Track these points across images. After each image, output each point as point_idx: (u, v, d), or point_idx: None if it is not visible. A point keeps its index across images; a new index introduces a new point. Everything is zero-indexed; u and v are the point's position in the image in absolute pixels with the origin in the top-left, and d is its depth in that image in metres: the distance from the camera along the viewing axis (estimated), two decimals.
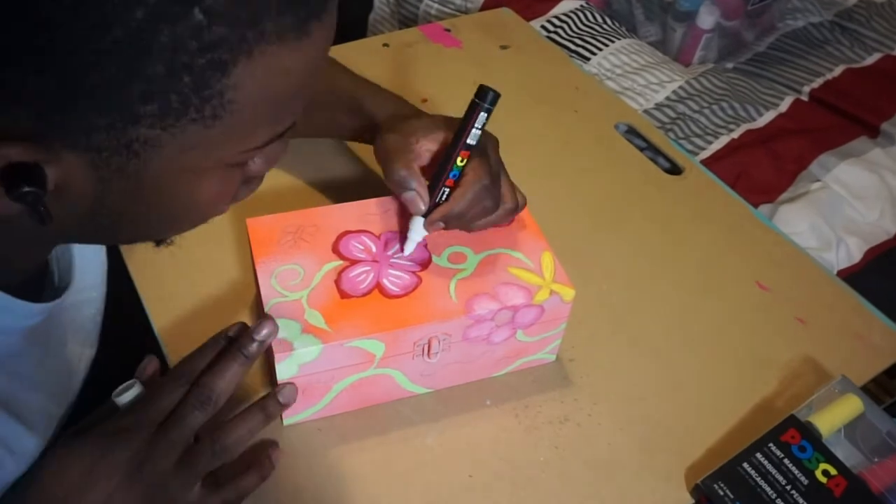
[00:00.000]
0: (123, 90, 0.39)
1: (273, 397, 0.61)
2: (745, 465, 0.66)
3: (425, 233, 0.68)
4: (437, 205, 0.67)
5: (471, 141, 0.66)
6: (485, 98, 0.65)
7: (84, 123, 0.41)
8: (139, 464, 0.54)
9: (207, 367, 0.58)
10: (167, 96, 0.40)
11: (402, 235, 0.70)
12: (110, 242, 0.69)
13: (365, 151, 0.94)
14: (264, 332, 0.59)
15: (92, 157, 0.42)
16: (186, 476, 0.55)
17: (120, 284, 0.79)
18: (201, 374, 0.57)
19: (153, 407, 0.56)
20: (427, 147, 0.69)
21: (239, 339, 0.59)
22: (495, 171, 0.68)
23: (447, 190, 0.67)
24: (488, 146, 0.69)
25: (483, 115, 0.65)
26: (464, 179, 0.67)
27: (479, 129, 0.66)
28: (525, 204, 0.72)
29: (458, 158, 0.66)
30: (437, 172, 0.67)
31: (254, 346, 0.59)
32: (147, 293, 0.78)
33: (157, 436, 0.55)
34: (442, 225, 0.68)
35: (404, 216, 0.72)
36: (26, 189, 0.41)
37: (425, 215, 0.68)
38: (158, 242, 0.58)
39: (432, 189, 0.67)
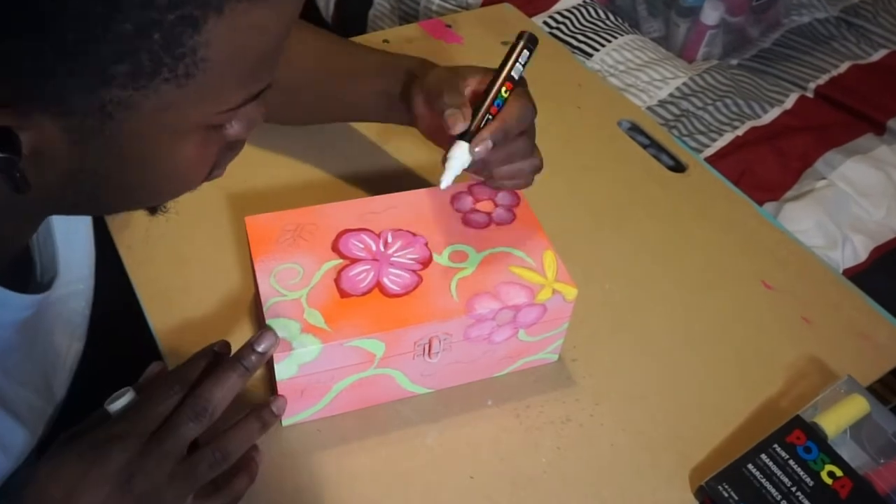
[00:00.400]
0: (93, 51, 0.39)
1: (267, 408, 0.60)
2: (750, 466, 0.66)
3: (468, 159, 0.66)
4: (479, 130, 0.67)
5: (514, 74, 0.67)
6: (526, 38, 0.68)
7: (56, 86, 0.40)
8: (130, 474, 0.53)
9: (203, 374, 0.57)
10: (138, 55, 0.40)
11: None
12: (95, 212, 0.68)
13: (365, 147, 0.95)
14: (265, 343, 0.58)
15: (67, 120, 0.42)
16: (181, 487, 0.54)
17: (116, 281, 0.79)
18: (197, 383, 0.56)
19: (146, 415, 0.55)
20: (469, 86, 0.70)
21: (239, 350, 0.58)
22: (535, 110, 0.69)
23: (490, 118, 0.67)
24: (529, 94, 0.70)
25: (525, 53, 0.67)
26: (510, 101, 0.67)
27: (523, 65, 0.67)
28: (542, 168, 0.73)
29: (503, 89, 0.67)
30: (479, 103, 0.67)
31: (253, 358, 0.58)
32: (144, 291, 0.78)
33: (149, 445, 0.54)
34: (490, 144, 0.66)
35: (407, 213, 0.72)
36: (0, 155, 0.41)
37: (469, 140, 0.66)
38: (152, 211, 0.58)
39: (474, 116, 0.67)
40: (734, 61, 1.44)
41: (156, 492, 0.53)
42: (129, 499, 0.53)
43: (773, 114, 1.29)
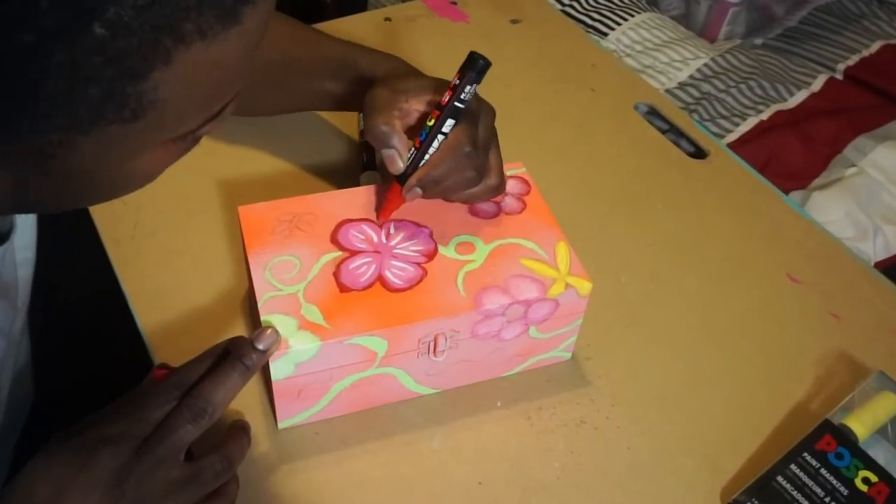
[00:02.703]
0: (26, 110, 0.39)
1: (248, 345, 0.59)
2: (780, 478, 0.66)
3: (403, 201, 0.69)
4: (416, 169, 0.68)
5: (456, 104, 0.65)
6: (472, 66, 0.65)
7: None
8: (122, 479, 0.53)
9: (201, 378, 0.57)
10: (76, 110, 0.40)
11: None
12: (50, 212, 0.69)
13: None
14: (266, 341, 0.59)
15: (3, 160, 0.43)
16: (181, 496, 0.55)
17: (101, 278, 0.79)
18: (195, 385, 0.56)
19: (140, 418, 0.55)
20: (416, 108, 0.69)
21: (239, 349, 0.58)
22: (483, 141, 0.68)
23: (413, 150, 0.67)
24: (481, 115, 0.69)
25: (468, 84, 0.65)
26: (444, 143, 0.67)
27: (464, 96, 0.65)
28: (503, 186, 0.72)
29: (429, 117, 0.66)
30: (421, 132, 0.67)
31: (255, 357, 0.58)
32: (131, 288, 0.78)
33: (143, 449, 0.54)
34: (419, 191, 0.67)
35: (410, 203, 0.72)
36: None
37: (402, 180, 0.68)
38: None
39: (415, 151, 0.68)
40: (758, 41, 1.44)
41: (151, 498, 0.53)
42: None
43: (799, 97, 1.29)
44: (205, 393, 0.56)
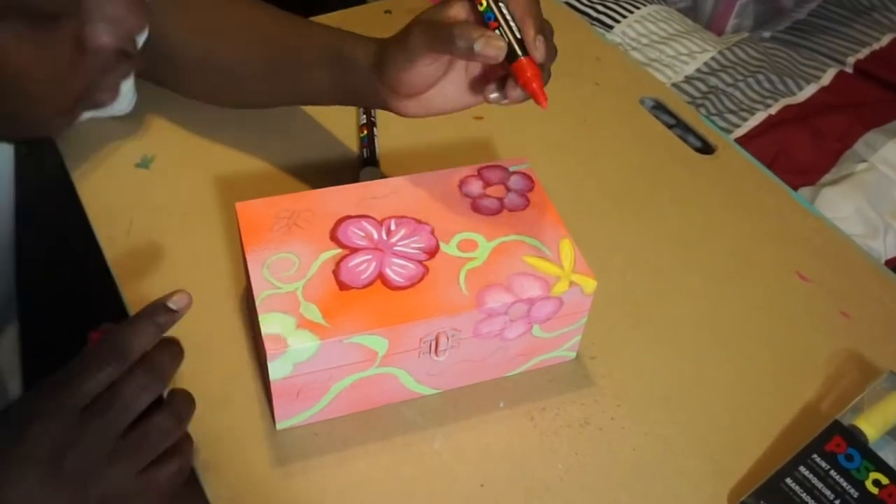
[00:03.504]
0: None
1: (161, 306, 0.56)
2: (789, 480, 0.66)
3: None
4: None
5: None
6: None
7: None
8: (58, 454, 0.51)
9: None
10: None
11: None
12: None
13: None
14: (181, 303, 0.56)
15: None
16: (128, 464, 0.53)
17: (95, 275, 0.79)
18: (150, 352, 0.55)
19: (75, 389, 0.53)
20: (448, 17, 0.65)
21: (159, 308, 0.56)
22: None
23: (497, 31, 0.62)
24: None
25: None
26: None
27: None
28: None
29: (477, 4, 0.63)
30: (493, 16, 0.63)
31: (172, 317, 0.56)
32: (126, 286, 0.78)
33: (81, 420, 0.52)
34: (543, 39, 0.62)
35: (411, 199, 0.72)
36: None
37: (512, 57, 0.62)
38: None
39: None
40: (767, 34, 1.43)
41: (95, 469, 0.52)
42: (65, 483, 0.51)
43: (808, 91, 1.29)
44: (158, 361, 0.54)
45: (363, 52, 0.72)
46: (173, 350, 0.56)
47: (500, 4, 0.62)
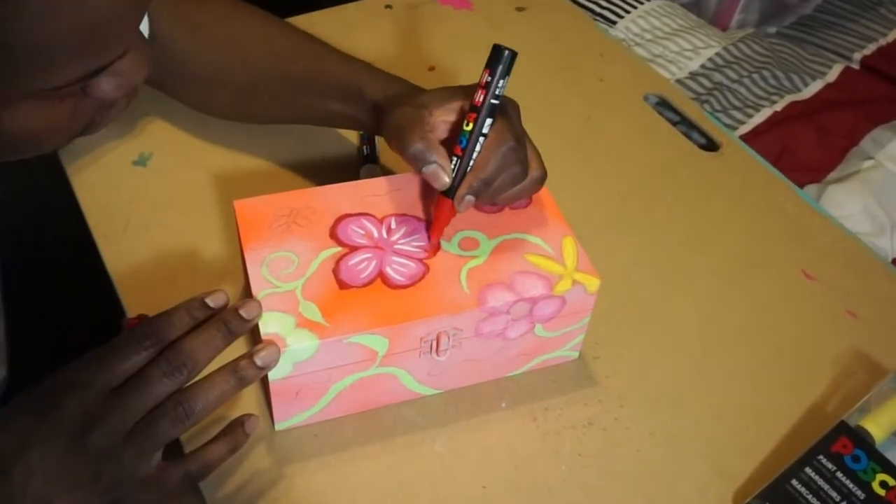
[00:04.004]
0: None
1: (249, 359, 0.58)
2: (794, 481, 0.66)
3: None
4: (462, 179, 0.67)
5: (492, 101, 0.65)
6: (499, 58, 0.64)
7: None
8: (86, 429, 0.52)
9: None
10: None
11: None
12: None
13: None
14: (253, 312, 0.58)
15: None
16: (141, 443, 0.53)
17: (92, 274, 0.79)
18: (176, 340, 0.55)
19: (108, 367, 0.54)
20: (443, 118, 0.69)
21: (223, 313, 0.57)
22: (520, 134, 0.68)
23: (456, 159, 0.66)
24: (509, 108, 0.69)
25: (500, 78, 0.64)
26: (486, 143, 0.66)
27: (498, 91, 0.65)
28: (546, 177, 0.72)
29: (465, 122, 0.66)
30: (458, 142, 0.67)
31: (238, 323, 0.57)
32: (123, 283, 0.78)
33: (111, 398, 0.53)
34: (472, 199, 0.66)
35: (412, 196, 0.72)
36: None
37: (450, 194, 0.67)
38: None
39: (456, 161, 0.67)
40: (772, 29, 1.43)
41: (114, 449, 0.53)
42: (86, 456, 0.52)
43: (814, 87, 1.29)
44: (186, 348, 0.55)
45: (379, 93, 0.75)
46: (212, 342, 0.56)
47: (481, 139, 0.66)
